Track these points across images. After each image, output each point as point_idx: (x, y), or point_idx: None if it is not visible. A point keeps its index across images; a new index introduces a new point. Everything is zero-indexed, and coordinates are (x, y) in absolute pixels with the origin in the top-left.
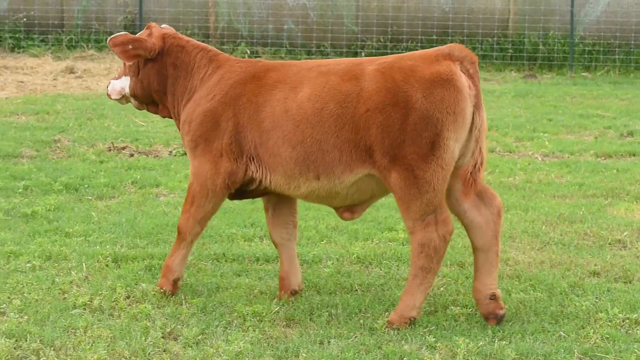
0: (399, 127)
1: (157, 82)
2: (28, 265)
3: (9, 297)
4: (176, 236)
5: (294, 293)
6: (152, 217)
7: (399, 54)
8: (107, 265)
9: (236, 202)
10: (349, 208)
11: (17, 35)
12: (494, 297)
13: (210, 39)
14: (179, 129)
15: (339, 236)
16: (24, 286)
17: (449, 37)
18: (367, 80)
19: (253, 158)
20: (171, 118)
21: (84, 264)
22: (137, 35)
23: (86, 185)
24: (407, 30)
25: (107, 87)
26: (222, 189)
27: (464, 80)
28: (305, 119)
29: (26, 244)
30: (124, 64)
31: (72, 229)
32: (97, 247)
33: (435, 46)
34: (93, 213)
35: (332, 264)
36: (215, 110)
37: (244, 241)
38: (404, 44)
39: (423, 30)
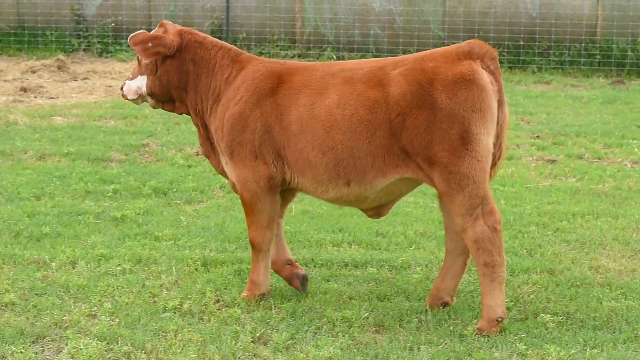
0: (425, 128)
1: (177, 78)
2: (118, 268)
3: (100, 300)
4: (252, 250)
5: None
6: (241, 221)
7: (420, 54)
8: (196, 269)
9: (324, 207)
10: (374, 209)
11: (105, 40)
12: (445, 306)
13: (296, 44)
14: (196, 126)
15: (428, 242)
16: (114, 289)
17: (536, 43)
18: (392, 86)
19: (282, 159)
20: (188, 114)
21: (173, 267)
22: (152, 32)
23: (175, 190)
24: (494, 35)
25: (122, 87)
26: (269, 189)
27: (486, 78)
28: (336, 125)
29: (116, 248)
30: (139, 63)
31: (162, 233)
32: (187, 251)
33: (523, 52)
34: (182, 217)
35: (421, 270)
36: (243, 112)
37: (332, 246)
38: None
39: (510, 35)
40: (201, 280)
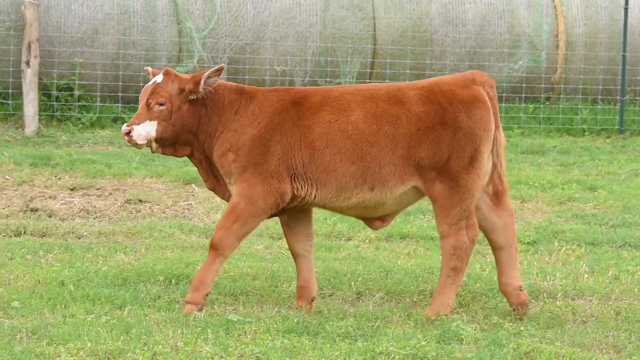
0: (448, 144)
1: (192, 122)
2: None
3: None
4: (210, 253)
5: (313, 300)
6: None
7: (430, 79)
8: None
9: None
10: (381, 217)
11: None
12: (522, 288)
13: None
14: (199, 163)
15: None
16: None
17: None
18: (412, 104)
19: (299, 177)
20: (188, 157)
21: None
22: (154, 79)
23: None
24: None
25: (129, 133)
26: (272, 208)
27: (489, 101)
28: (364, 138)
29: None
30: (148, 108)
31: None
32: None
33: None
34: None
35: None
36: (263, 136)
37: None
38: None
39: None
40: None
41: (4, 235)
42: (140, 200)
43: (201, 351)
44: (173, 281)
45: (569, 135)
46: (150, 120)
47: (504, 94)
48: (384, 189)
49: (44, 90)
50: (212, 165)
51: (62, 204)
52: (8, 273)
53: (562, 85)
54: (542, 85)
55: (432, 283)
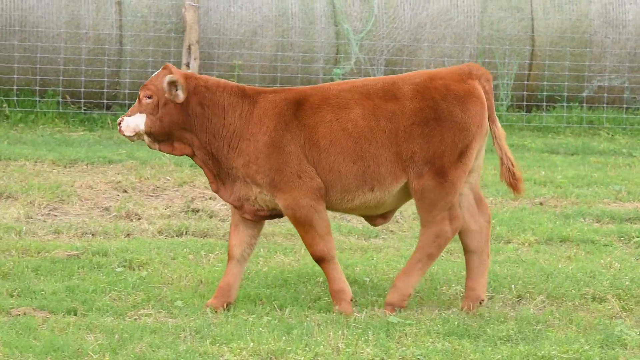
0: (440, 139)
1: (182, 120)
2: None
3: None
4: (322, 265)
5: (229, 305)
6: None
7: (424, 72)
8: None
9: None
10: (382, 215)
11: None
12: (482, 303)
13: None
14: (203, 164)
15: None
16: None
17: None
18: (407, 99)
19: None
20: (190, 156)
21: None
22: (155, 74)
23: None
24: None
25: (120, 124)
26: (319, 199)
27: (484, 96)
28: (363, 136)
29: None
30: (138, 101)
31: None
32: None
33: None
34: None
35: None
36: (274, 140)
37: None
38: None
39: None
40: None
41: (166, 235)
42: None
43: (362, 353)
44: None
45: None
46: (140, 113)
47: None
48: (382, 188)
49: None
50: (218, 166)
51: (222, 204)
52: (171, 272)
53: None
54: None
55: (595, 287)
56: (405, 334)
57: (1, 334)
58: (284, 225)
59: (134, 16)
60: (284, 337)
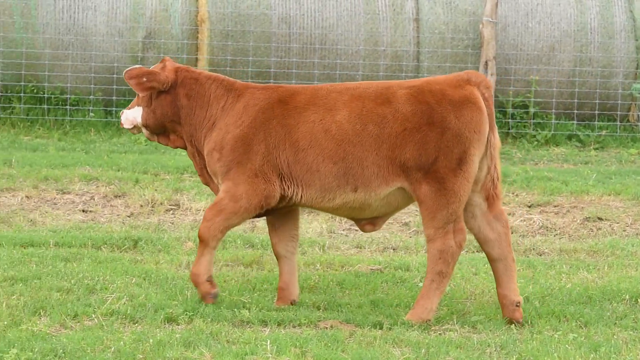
0: (434, 145)
1: (172, 112)
2: None
3: None
4: (200, 246)
5: (294, 303)
6: None
7: (423, 78)
8: None
9: None
10: (371, 220)
11: None
12: (519, 305)
13: None
14: (192, 157)
15: None
16: None
17: None
18: (400, 103)
19: (284, 176)
20: (183, 148)
21: None
22: (151, 68)
23: None
24: None
25: (120, 116)
26: (256, 209)
27: (483, 103)
28: (347, 139)
29: None
30: (137, 95)
31: None
32: None
33: None
34: None
35: None
36: (246, 135)
37: None
38: None
39: None
40: None
41: (466, 251)
42: (600, 218)
43: None
44: (639, 300)
45: None
46: (138, 105)
47: None
48: (367, 190)
49: (499, 108)
50: (203, 158)
51: (521, 220)
52: (473, 288)
53: None
54: None
55: None
56: None
57: (311, 346)
58: (585, 241)
59: (432, 33)
60: (591, 355)
